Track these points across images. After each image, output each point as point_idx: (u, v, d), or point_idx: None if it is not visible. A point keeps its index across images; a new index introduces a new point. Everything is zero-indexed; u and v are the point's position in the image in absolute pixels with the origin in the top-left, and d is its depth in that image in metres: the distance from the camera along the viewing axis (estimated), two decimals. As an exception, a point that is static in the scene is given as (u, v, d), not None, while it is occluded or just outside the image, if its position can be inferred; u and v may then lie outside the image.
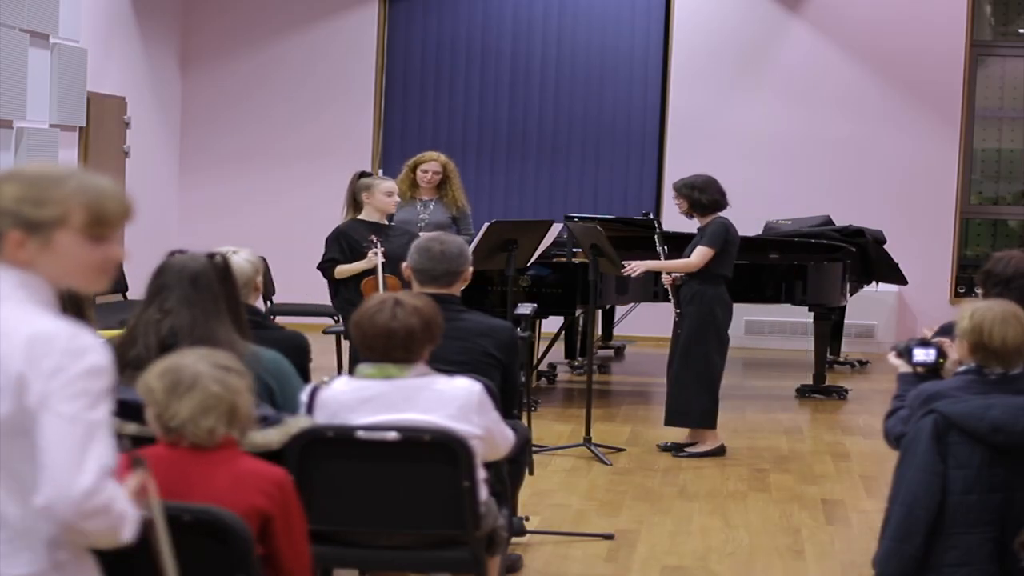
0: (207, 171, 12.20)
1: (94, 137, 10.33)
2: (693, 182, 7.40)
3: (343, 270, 7.30)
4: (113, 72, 10.79)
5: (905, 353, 4.16)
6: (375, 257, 7.17)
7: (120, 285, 10.20)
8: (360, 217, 7.45)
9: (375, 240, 7.23)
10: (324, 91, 12.10)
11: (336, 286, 7.45)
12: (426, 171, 8.24)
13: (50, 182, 2.46)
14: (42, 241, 2.44)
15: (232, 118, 12.17)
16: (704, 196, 7.35)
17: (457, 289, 4.74)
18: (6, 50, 8.78)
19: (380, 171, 11.36)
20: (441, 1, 12.04)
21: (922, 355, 4.14)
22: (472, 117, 12.08)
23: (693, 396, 7.44)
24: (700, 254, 7.33)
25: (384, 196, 7.46)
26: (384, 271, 7.13)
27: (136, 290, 9.84)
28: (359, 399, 3.85)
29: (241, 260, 4.33)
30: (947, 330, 4.43)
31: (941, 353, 4.13)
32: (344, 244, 7.33)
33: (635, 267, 7.57)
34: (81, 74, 9.87)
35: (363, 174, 7.62)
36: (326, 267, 7.39)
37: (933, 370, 4.12)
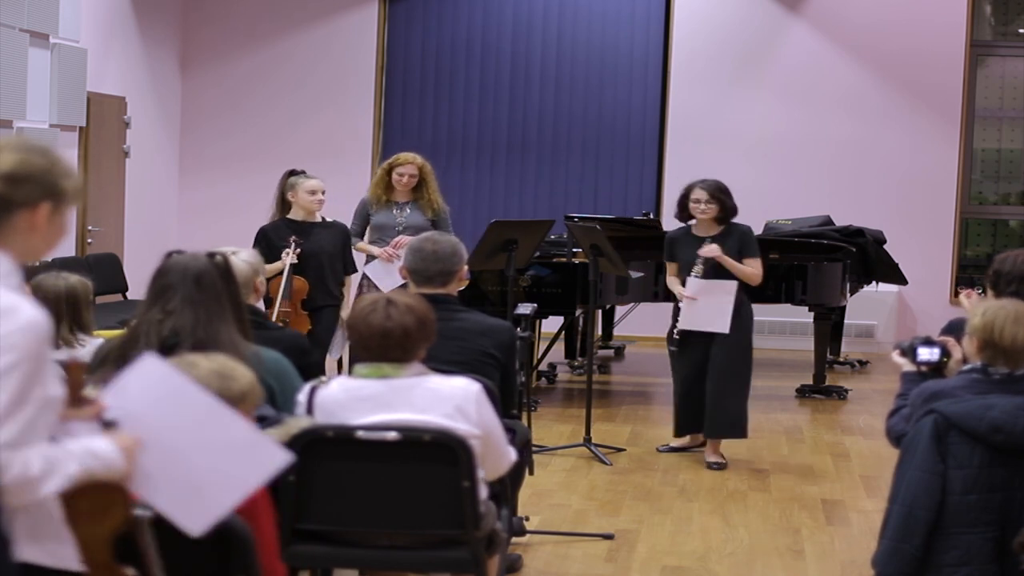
0: (207, 171, 12.20)
1: (94, 137, 10.32)
2: (722, 187, 7.22)
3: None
4: (113, 72, 10.78)
5: (909, 352, 4.16)
6: (286, 258, 7.24)
7: (120, 285, 10.20)
8: (289, 216, 7.50)
9: (293, 240, 7.26)
10: (324, 91, 12.10)
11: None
12: (402, 174, 7.89)
13: (58, 155, 2.46)
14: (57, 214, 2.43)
15: (232, 118, 12.17)
16: (731, 201, 7.22)
17: (454, 289, 4.74)
18: (6, 50, 8.77)
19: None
20: (441, 1, 12.04)
21: (926, 354, 4.13)
22: (472, 117, 12.07)
23: (742, 407, 7.30)
24: (759, 266, 7.23)
25: (306, 195, 7.46)
26: (292, 272, 7.22)
27: (135, 290, 9.87)
28: (355, 398, 3.84)
29: (240, 261, 4.33)
30: (952, 328, 4.43)
31: (945, 352, 4.13)
32: (264, 245, 7.36)
33: (711, 251, 7.13)
34: (81, 74, 9.87)
35: (291, 172, 7.59)
36: None
37: (937, 369, 4.12)
